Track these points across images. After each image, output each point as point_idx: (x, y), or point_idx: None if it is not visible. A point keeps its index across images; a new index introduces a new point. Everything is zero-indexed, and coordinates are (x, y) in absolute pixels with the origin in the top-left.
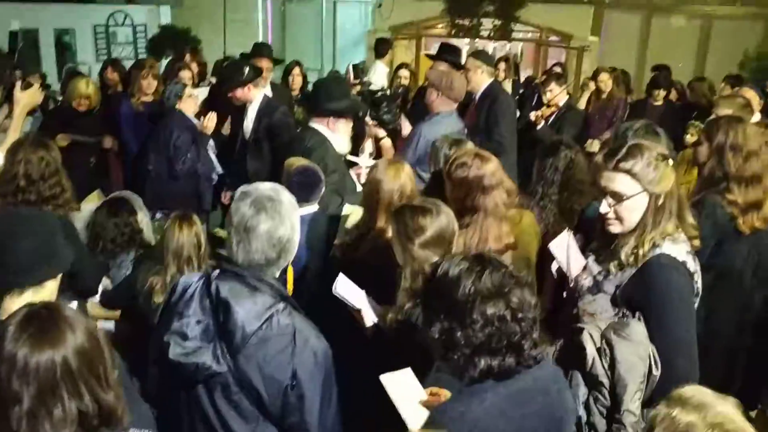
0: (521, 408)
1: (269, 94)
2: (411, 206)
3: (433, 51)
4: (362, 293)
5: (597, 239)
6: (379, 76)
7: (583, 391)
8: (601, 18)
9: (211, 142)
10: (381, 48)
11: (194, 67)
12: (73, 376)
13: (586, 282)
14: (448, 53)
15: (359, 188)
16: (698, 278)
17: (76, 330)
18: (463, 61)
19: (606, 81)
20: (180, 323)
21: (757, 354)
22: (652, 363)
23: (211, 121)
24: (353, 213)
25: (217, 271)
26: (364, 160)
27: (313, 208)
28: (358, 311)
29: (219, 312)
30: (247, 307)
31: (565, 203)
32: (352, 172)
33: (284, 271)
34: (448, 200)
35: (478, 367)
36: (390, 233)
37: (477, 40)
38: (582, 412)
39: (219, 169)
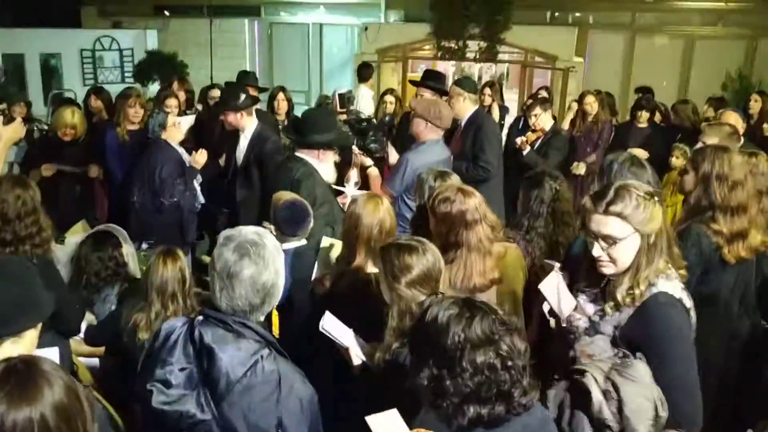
0: None
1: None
2: (397, 244)
3: (424, 72)
4: (349, 331)
5: (585, 278)
6: (364, 101)
7: None
8: (586, 39)
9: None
10: (364, 72)
11: (181, 95)
12: None
13: (582, 323)
14: (431, 80)
15: None
16: (693, 314)
17: (54, 385)
18: (449, 84)
19: (592, 104)
20: (163, 371)
21: (746, 381)
22: (659, 404)
23: (201, 156)
24: (334, 246)
25: (200, 317)
26: (350, 190)
27: (301, 242)
28: (346, 349)
29: (203, 359)
30: (230, 354)
31: (551, 236)
32: (338, 201)
33: (269, 313)
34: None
35: (467, 416)
36: (369, 268)
37: (463, 62)
38: None
39: (201, 199)
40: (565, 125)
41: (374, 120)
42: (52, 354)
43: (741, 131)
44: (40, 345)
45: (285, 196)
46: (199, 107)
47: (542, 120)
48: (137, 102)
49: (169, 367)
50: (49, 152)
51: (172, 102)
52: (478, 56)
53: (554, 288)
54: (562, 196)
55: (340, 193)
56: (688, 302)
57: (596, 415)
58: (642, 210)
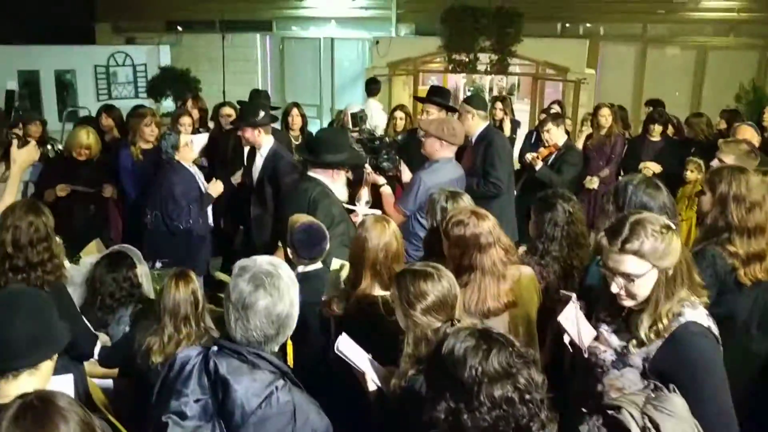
0: None
1: None
2: (412, 270)
3: (429, 88)
4: (365, 355)
5: (605, 308)
6: (377, 115)
7: None
8: (597, 50)
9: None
10: (372, 87)
11: (195, 113)
12: None
13: (608, 356)
14: (437, 96)
15: None
16: (720, 342)
17: (69, 421)
18: (454, 99)
19: (607, 116)
20: (178, 402)
21: (764, 404)
22: None
23: (217, 187)
24: (343, 268)
25: (215, 348)
26: (362, 208)
27: (317, 265)
28: (362, 374)
29: (218, 390)
30: (245, 385)
31: (566, 259)
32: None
33: (284, 343)
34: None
35: None
36: (375, 291)
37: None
38: None
39: (211, 223)
40: (580, 143)
41: (387, 138)
42: (66, 382)
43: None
44: (55, 371)
45: (301, 218)
46: (211, 125)
47: (555, 135)
48: (153, 121)
49: (185, 398)
50: (64, 172)
51: (186, 120)
52: (489, 69)
53: (573, 319)
54: (576, 218)
55: (351, 211)
56: (716, 329)
57: None
58: (659, 245)
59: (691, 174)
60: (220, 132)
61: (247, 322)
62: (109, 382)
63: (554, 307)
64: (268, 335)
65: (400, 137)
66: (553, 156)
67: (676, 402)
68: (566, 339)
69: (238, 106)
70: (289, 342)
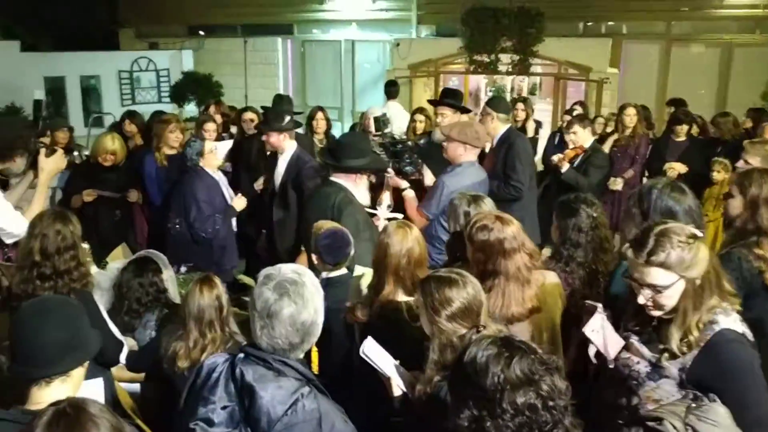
0: None
1: None
2: (437, 277)
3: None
4: (391, 359)
5: (633, 318)
6: (398, 116)
7: None
8: (620, 50)
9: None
10: (392, 90)
11: (218, 118)
12: None
13: (642, 367)
14: (449, 98)
15: None
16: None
17: (101, 428)
18: (475, 100)
19: (632, 116)
20: (205, 409)
21: None
22: None
23: (240, 202)
24: (366, 274)
25: (241, 355)
26: (383, 212)
27: (342, 271)
28: (388, 379)
29: (244, 397)
30: (271, 392)
31: (590, 264)
32: None
33: (309, 350)
34: (468, 261)
35: None
36: (398, 297)
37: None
38: None
39: (234, 228)
40: (607, 146)
41: (409, 142)
42: (96, 386)
43: None
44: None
45: (326, 224)
46: (234, 129)
47: (581, 137)
48: (178, 127)
49: (212, 405)
50: (90, 178)
51: (210, 126)
52: (510, 69)
53: (599, 330)
54: (600, 223)
55: (373, 215)
56: (750, 335)
57: None
58: (685, 255)
59: (718, 174)
60: (244, 137)
61: (272, 330)
62: (137, 387)
63: (579, 313)
64: (293, 343)
65: (422, 141)
66: (579, 158)
67: (719, 411)
68: (591, 351)
69: (260, 111)
70: (315, 349)
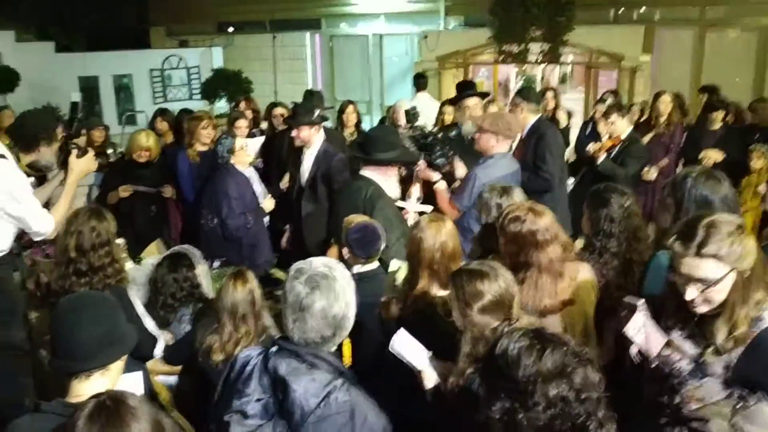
0: None
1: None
2: (468, 270)
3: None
4: (423, 352)
5: (674, 315)
6: (429, 107)
7: None
8: (653, 36)
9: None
10: (420, 82)
11: (248, 114)
12: None
13: (684, 365)
14: (465, 89)
15: None
16: None
17: (140, 420)
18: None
19: (668, 103)
20: (240, 401)
21: None
22: None
23: (270, 202)
24: (400, 269)
25: (274, 348)
26: (412, 205)
27: (373, 265)
28: (419, 372)
29: (278, 390)
30: (304, 385)
31: (624, 254)
32: None
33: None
34: (500, 252)
35: None
36: (433, 291)
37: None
38: None
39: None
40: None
41: (440, 134)
42: (135, 379)
43: None
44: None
45: (357, 218)
46: (264, 125)
47: (619, 127)
48: (210, 124)
49: (246, 398)
50: (126, 174)
51: (242, 123)
52: (540, 59)
53: (641, 328)
54: (632, 212)
55: (402, 208)
56: None
57: None
58: (736, 247)
59: (756, 162)
60: (274, 132)
61: (304, 324)
62: (173, 380)
63: (614, 304)
64: (325, 336)
65: (452, 133)
66: (617, 148)
67: (767, 411)
68: (633, 350)
69: (290, 106)
70: (347, 341)
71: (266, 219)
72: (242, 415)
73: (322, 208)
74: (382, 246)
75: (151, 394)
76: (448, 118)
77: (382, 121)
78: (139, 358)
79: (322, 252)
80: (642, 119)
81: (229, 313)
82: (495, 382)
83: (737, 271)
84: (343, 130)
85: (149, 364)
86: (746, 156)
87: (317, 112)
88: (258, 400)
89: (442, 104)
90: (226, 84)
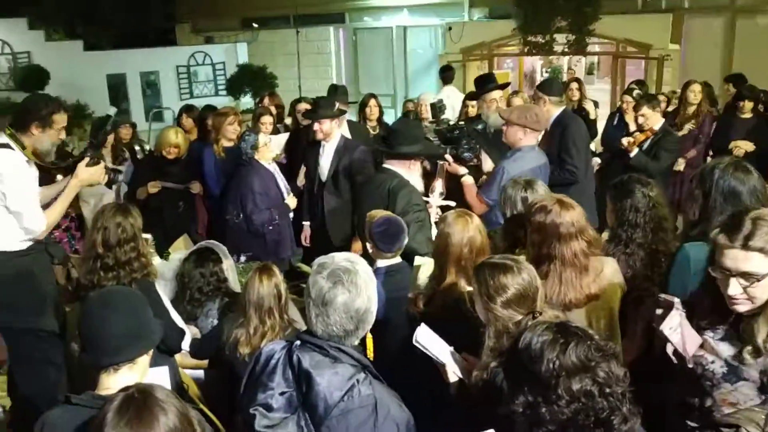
0: None
1: (346, 132)
2: (491, 264)
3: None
4: (446, 346)
5: (709, 315)
6: (456, 99)
7: None
8: (681, 25)
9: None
10: (447, 75)
11: (273, 110)
12: None
13: (718, 367)
14: (485, 82)
15: (434, 228)
16: None
17: (168, 413)
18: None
19: (697, 93)
20: (264, 395)
21: None
22: None
23: (292, 200)
24: (424, 265)
25: (298, 342)
26: (435, 200)
27: (396, 260)
28: (442, 366)
29: (302, 383)
30: (328, 378)
31: (650, 245)
32: None
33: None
34: (525, 245)
35: None
36: (461, 287)
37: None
38: None
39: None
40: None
41: (466, 128)
42: (162, 373)
43: None
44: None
45: (379, 213)
46: (288, 121)
47: (651, 119)
48: (236, 120)
49: (270, 391)
50: (154, 170)
51: (267, 119)
52: (566, 49)
53: (677, 327)
54: (657, 202)
55: (426, 203)
56: None
57: None
58: None
59: None
60: (298, 127)
61: (327, 318)
62: (200, 373)
63: (641, 295)
64: (348, 330)
65: (479, 126)
66: (649, 141)
67: None
68: (669, 349)
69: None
70: (369, 335)
71: (291, 214)
72: (266, 408)
73: (345, 202)
74: (406, 240)
75: (179, 387)
76: (472, 111)
77: (405, 114)
78: (166, 351)
79: (347, 247)
80: (668, 109)
81: (255, 306)
82: (518, 376)
83: None
84: (365, 123)
85: (177, 357)
86: None
87: (337, 106)
88: (282, 393)
89: (466, 97)
90: (251, 79)
